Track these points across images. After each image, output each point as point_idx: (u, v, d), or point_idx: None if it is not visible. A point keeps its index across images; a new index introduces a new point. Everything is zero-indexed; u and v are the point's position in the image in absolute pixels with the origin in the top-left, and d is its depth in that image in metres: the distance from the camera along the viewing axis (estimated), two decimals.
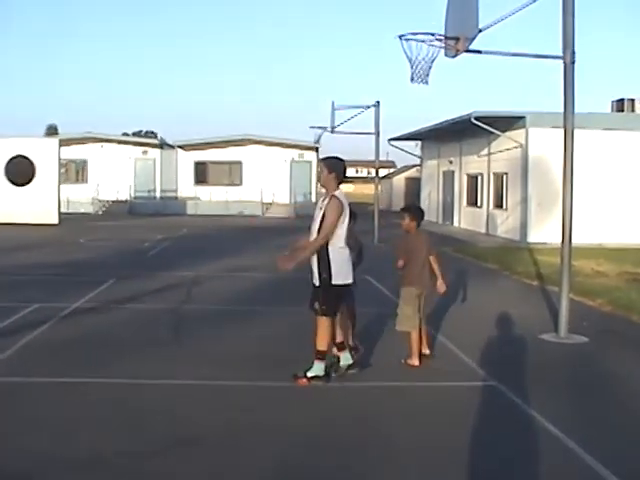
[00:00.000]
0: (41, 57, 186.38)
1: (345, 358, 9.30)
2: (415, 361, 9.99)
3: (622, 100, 36.30)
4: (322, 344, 8.94)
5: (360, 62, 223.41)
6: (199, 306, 14.37)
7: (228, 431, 7.31)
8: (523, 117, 31.31)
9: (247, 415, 7.80)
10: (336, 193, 8.94)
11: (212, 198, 53.68)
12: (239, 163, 55.71)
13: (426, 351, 10.33)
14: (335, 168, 9.12)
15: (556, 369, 10.24)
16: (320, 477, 6.34)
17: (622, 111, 35.65)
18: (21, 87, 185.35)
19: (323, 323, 8.91)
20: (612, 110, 36.83)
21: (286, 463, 6.51)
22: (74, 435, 7.08)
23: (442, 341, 11.57)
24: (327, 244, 8.79)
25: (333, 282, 8.84)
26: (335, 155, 9.39)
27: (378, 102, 32.03)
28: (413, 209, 10.60)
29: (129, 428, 7.32)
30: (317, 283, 8.95)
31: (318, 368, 8.94)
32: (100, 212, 51.62)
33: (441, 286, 10.48)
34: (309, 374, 8.90)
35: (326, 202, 8.91)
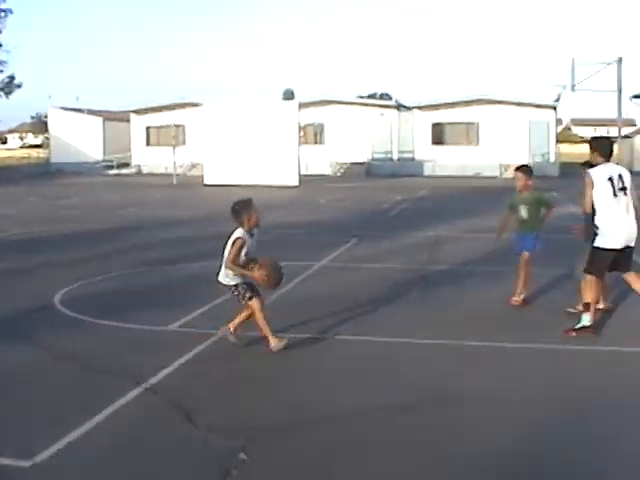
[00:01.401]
0: (276, 26, 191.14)
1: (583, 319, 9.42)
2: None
3: None
4: (586, 296, 9.41)
5: (602, 16, 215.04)
6: (441, 266, 14.31)
7: (483, 392, 7.19)
8: None
9: (507, 377, 7.73)
10: (589, 170, 9.41)
11: (449, 159, 53.40)
12: (476, 124, 55.07)
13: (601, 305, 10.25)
14: (598, 147, 9.67)
15: None
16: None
17: None
18: (257, 54, 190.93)
19: (586, 280, 9.43)
20: None
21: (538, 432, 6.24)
22: (329, 388, 7.26)
23: None
24: (593, 211, 9.27)
25: (595, 245, 9.33)
26: (603, 136, 9.77)
27: (620, 58, 30.83)
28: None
29: (382, 384, 7.40)
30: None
31: (585, 319, 9.32)
32: (338, 174, 52.48)
33: None
34: (577, 326, 9.29)
35: None
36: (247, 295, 8.42)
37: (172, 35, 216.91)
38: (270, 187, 36.44)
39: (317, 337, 9.04)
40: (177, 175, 44.98)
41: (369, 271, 13.71)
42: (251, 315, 8.54)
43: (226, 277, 8.51)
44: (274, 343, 8.28)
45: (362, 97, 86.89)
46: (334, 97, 57.99)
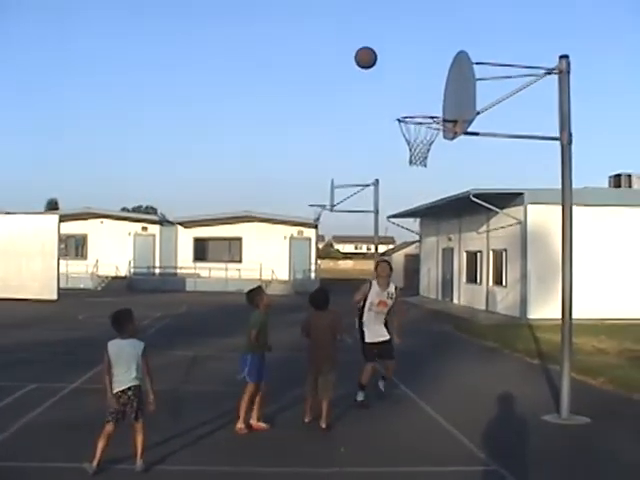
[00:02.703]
0: (41, 132, 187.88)
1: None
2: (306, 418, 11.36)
3: (619, 175, 36.47)
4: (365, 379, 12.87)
5: (359, 141, 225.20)
6: (198, 387, 14.24)
7: None
8: (521, 194, 31.41)
9: None
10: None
11: (212, 275, 53.70)
12: (239, 239, 55.84)
13: (322, 424, 11.05)
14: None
15: (559, 452, 10.11)
16: None
17: (619, 186, 35.83)
18: (21, 162, 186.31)
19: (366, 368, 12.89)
20: (609, 185, 37.03)
21: None
22: None
23: (441, 423, 11.51)
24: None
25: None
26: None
27: (377, 180, 32.35)
28: (309, 297, 11.76)
29: None
30: (387, 338, 12.95)
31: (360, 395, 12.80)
32: (99, 288, 51.60)
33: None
34: (359, 399, 12.77)
35: (394, 290, 13.18)
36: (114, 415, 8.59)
37: None
38: (27, 301, 35.36)
39: (59, 466, 8.78)
40: None
41: None
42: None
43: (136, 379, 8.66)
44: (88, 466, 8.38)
45: (127, 210, 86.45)
46: (97, 209, 57.24)
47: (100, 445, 8.51)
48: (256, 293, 10.99)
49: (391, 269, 13.41)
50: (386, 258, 14.34)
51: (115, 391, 8.63)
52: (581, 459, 9.84)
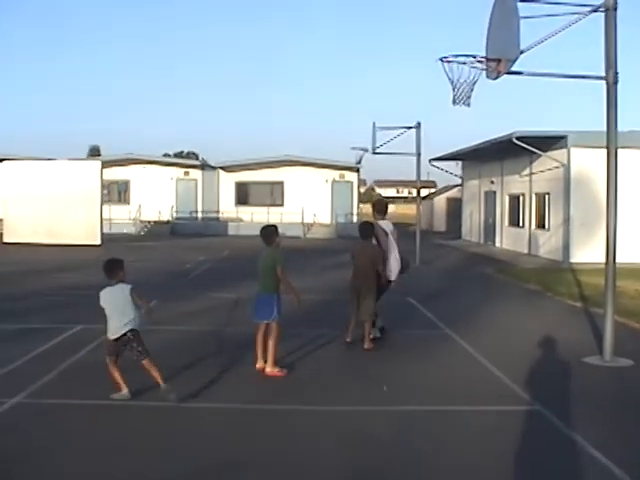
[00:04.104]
0: (83, 80, 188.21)
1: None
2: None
3: None
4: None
5: (401, 83, 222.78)
6: (240, 329, 14.33)
7: (273, 456, 7.29)
8: (565, 137, 31.03)
9: (296, 441, 7.80)
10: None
11: (253, 219, 53.73)
12: (281, 183, 55.85)
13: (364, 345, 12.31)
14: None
15: (601, 393, 10.09)
16: None
17: None
18: (63, 110, 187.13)
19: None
20: None
21: None
22: (112, 458, 7.17)
23: (485, 364, 11.50)
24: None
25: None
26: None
27: (419, 123, 31.97)
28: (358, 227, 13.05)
29: (173, 452, 7.34)
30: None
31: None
32: (142, 233, 51.88)
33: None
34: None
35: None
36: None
37: None
38: (71, 247, 35.68)
39: (102, 403, 8.95)
40: None
41: (167, 333, 13.50)
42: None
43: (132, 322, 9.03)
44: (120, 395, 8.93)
45: (168, 155, 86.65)
46: (139, 155, 57.47)
47: (115, 374, 9.04)
48: (274, 231, 11.09)
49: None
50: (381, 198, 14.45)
51: (112, 338, 9.06)
52: (624, 401, 9.80)
